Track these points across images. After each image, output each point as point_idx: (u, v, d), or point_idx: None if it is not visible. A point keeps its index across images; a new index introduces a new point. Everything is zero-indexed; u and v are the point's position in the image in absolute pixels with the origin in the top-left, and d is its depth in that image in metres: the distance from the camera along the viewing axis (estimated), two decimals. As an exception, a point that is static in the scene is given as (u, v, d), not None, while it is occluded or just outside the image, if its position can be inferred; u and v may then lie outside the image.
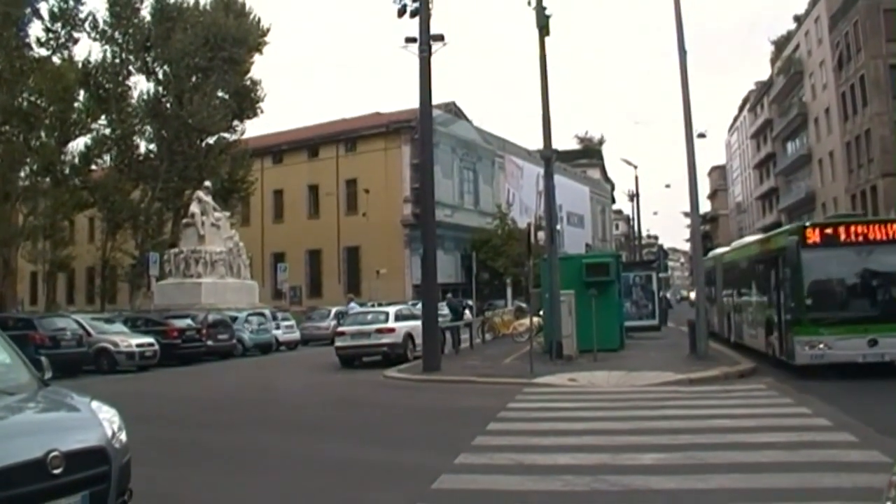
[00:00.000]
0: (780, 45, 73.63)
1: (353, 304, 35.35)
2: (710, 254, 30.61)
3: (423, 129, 23.05)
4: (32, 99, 46.29)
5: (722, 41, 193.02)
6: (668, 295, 79.18)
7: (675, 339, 25.75)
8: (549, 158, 23.13)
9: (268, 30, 56.32)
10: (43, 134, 48.39)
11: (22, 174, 48.62)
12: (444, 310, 27.85)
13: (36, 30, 47.34)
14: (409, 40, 21.21)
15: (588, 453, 9.00)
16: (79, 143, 51.76)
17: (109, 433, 5.63)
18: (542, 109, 21.97)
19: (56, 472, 4.97)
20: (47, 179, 49.81)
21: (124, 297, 56.67)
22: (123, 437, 5.85)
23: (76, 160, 51.33)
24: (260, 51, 56.01)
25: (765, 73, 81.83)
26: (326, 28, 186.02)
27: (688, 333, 21.48)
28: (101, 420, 5.73)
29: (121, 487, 5.59)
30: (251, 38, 54.75)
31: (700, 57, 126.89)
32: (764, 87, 77.54)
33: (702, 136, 46.18)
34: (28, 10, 45.55)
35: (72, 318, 26.60)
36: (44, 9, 46.83)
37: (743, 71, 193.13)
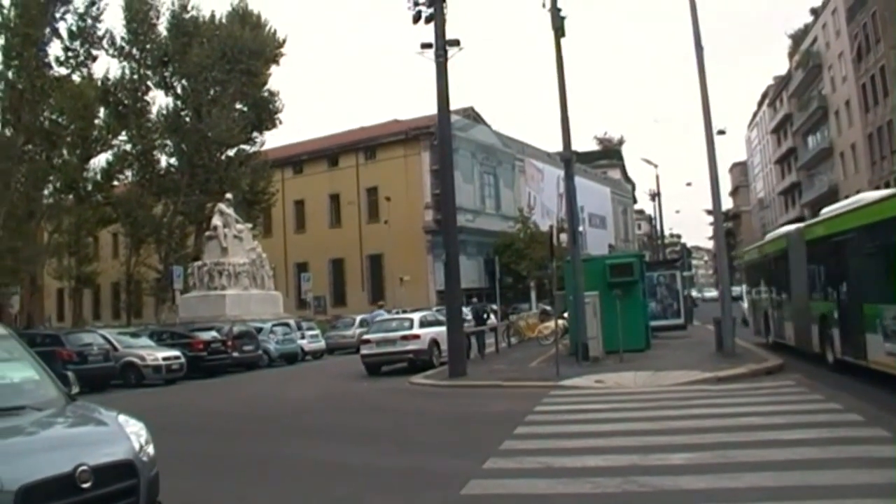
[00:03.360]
0: (798, 38, 73.17)
1: (380, 312, 35.00)
2: (777, 233, 23.16)
3: (441, 135, 23.03)
4: (54, 117, 46.79)
5: (739, 36, 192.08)
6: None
7: (702, 338, 25.55)
8: (569, 160, 23.08)
9: (284, 41, 56.83)
10: (65, 152, 48.93)
11: (45, 192, 49.21)
12: (469, 315, 27.86)
13: (55, 49, 47.85)
14: (425, 46, 21.19)
15: (617, 455, 8.94)
16: (100, 160, 52.57)
17: (137, 447, 5.66)
18: (561, 111, 21.90)
19: (85, 486, 5.00)
20: (70, 196, 50.42)
21: (149, 311, 57.13)
22: (151, 450, 5.87)
23: (98, 177, 52.00)
24: (277, 62, 56.46)
25: (783, 67, 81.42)
26: (342, 37, 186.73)
27: (714, 331, 21.32)
28: (128, 434, 5.75)
29: (150, 500, 5.62)
30: (267, 49, 55.17)
31: (717, 53, 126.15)
32: (782, 82, 77.12)
33: (721, 132, 45.69)
34: (47, 30, 46.06)
35: (98, 333, 26.80)
36: (63, 28, 47.43)
37: (761, 66, 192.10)
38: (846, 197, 25.02)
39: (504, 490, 7.77)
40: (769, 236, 24.29)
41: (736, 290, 40.08)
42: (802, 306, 18.28)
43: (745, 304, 28.63)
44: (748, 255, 27.62)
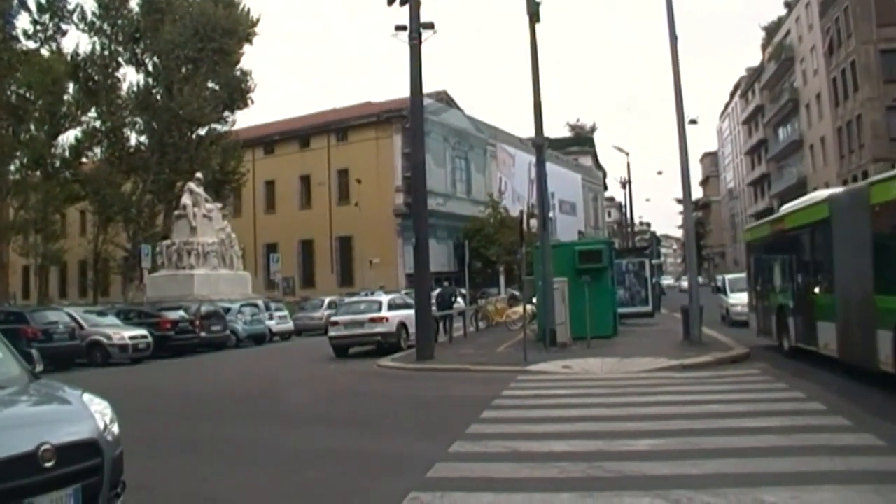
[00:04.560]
0: (771, 30, 73.71)
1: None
2: (810, 198, 16.86)
3: (414, 118, 22.97)
4: (21, 92, 46.16)
5: (713, 27, 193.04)
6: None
7: (669, 326, 25.68)
8: (541, 146, 23.08)
9: (257, 20, 56.26)
10: (32, 127, 48.31)
11: (12, 168, 48.59)
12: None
13: (24, 22, 47.12)
14: (400, 28, 21.14)
15: (583, 440, 8.99)
16: (69, 136, 51.92)
17: (101, 426, 5.60)
18: (534, 97, 21.89)
19: (48, 465, 4.94)
20: (38, 173, 49.82)
21: (117, 289, 56.65)
22: (116, 429, 5.81)
23: (66, 153, 51.36)
24: (250, 41, 55.92)
25: (756, 59, 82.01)
26: (316, 17, 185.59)
27: (681, 320, 21.43)
28: (92, 413, 5.69)
29: (113, 480, 5.56)
30: (241, 28, 54.60)
31: (691, 43, 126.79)
32: (755, 74, 77.69)
33: (693, 122, 46.24)
34: (15, 2, 45.35)
35: (64, 312, 26.56)
36: (31, 0, 46.64)
37: (734, 57, 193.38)
38: (815, 189, 21.46)
39: (470, 474, 7.78)
40: (787, 207, 18.57)
41: (718, 279, 38.88)
42: (859, 302, 12.52)
43: (731, 300, 27.24)
44: (756, 233, 21.05)
